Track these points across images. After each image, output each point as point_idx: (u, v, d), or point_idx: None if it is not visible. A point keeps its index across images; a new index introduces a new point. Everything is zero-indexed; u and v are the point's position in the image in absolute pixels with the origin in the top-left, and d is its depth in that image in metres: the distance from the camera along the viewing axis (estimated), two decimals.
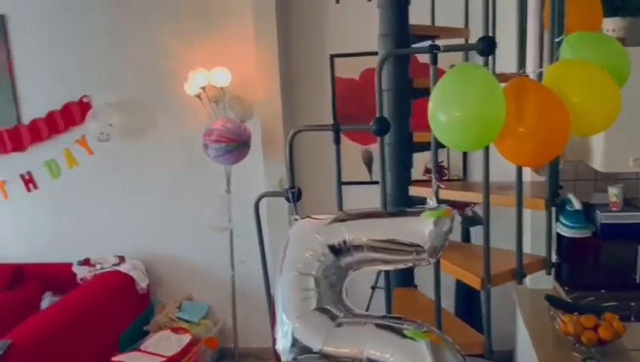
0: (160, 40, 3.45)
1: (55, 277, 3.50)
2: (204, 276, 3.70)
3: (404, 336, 1.33)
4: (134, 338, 3.30)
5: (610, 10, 2.30)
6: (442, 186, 1.57)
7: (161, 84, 3.49)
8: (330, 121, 3.46)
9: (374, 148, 3.42)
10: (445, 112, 1.40)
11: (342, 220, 1.59)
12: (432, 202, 1.55)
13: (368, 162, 3.48)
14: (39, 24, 3.56)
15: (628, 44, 2.29)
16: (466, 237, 3.18)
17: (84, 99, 3.57)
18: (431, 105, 1.46)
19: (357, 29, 3.30)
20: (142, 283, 3.50)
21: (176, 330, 3.31)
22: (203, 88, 3.19)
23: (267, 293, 2.04)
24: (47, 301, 3.32)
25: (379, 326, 1.37)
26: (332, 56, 3.37)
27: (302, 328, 1.42)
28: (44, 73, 3.61)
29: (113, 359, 3.02)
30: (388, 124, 1.60)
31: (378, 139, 1.72)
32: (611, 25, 2.43)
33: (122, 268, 3.49)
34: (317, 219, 1.62)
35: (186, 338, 3.23)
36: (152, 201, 3.66)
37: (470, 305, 3.16)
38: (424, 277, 2.94)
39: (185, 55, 3.41)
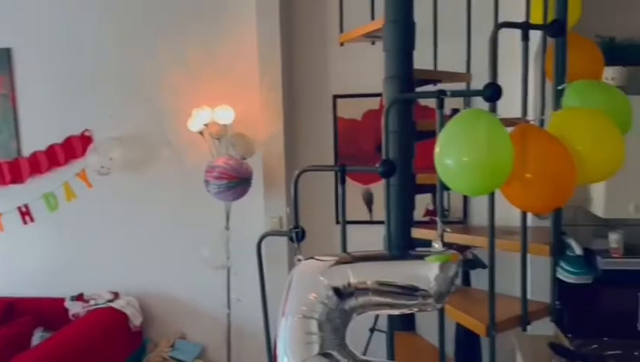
0: (166, 77, 3.48)
1: (47, 312, 3.42)
2: (198, 314, 3.63)
3: None
4: None
5: (611, 59, 2.35)
6: (448, 230, 1.55)
7: (165, 119, 3.51)
8: (330, 160, 3.48)
9: (375, 187, 3.43)
10: (453, 157, 1.41)
11: (346, 262, 1.57)
12: (437, 245, 1.54)
13: (368, 202, 3.47)
14: (44, 58, 3.60)
15: (628, 92, 2.32)
16: (466, 280, 3.15)
17: (86, 133, 3.57)
18: (437, 149, 1.47)
19: (359, 71, 3.36)
20: (135, 320, 3.42)
21: None
22: (206, 125, 3.21)
23: (266, 336, 2.00)
24: (37, 337, 3.23)
25: None
26: (335, 97, 3.42)
27: None
28: (47, 106, 3.63)
29: None
30: (394, 166, 1.60)
31: (384, 181, 1.72)
32: (611, 73, 2.49)
33: (116, 304, 3.41)
34: (321, 260, 1.60)
35: None
36: (148, 236, 3.62)
37: (470, 349, 3.10)
38: (423, 320, 2.90)
39: (190, 92, 3.44)
